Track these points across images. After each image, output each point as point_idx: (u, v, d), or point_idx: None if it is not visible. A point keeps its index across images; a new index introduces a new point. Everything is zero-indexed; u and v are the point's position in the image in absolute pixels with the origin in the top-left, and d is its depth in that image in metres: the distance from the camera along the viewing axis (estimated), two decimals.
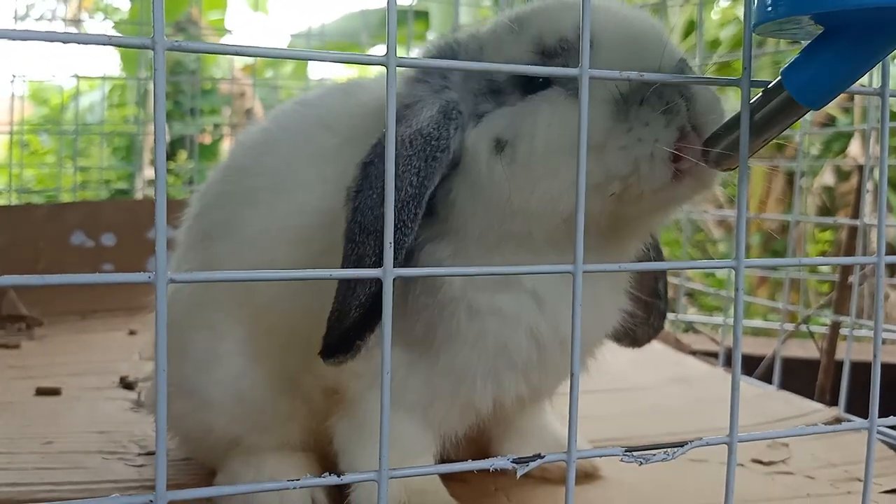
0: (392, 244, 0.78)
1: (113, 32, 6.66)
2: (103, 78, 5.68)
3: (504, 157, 1.06)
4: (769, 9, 0.85)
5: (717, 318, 2.88)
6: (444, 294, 1.12)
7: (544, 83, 1.05)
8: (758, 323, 3.47)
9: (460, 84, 1.11)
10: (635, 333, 1.36)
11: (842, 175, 5.32)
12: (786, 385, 2.15)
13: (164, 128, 0.68)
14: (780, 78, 0.89)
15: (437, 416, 1.22)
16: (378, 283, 1.00)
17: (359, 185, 1.05)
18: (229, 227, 1.30)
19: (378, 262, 1.02)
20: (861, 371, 2.21)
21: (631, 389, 2.07)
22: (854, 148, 4.96)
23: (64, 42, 0.66)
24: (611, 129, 1.00)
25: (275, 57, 0.91)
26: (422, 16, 6.30)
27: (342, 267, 1.05)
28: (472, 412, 1.23)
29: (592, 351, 1.31)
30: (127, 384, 2.09)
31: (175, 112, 6.34)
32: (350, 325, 1.03)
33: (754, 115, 0.90)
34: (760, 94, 0.90)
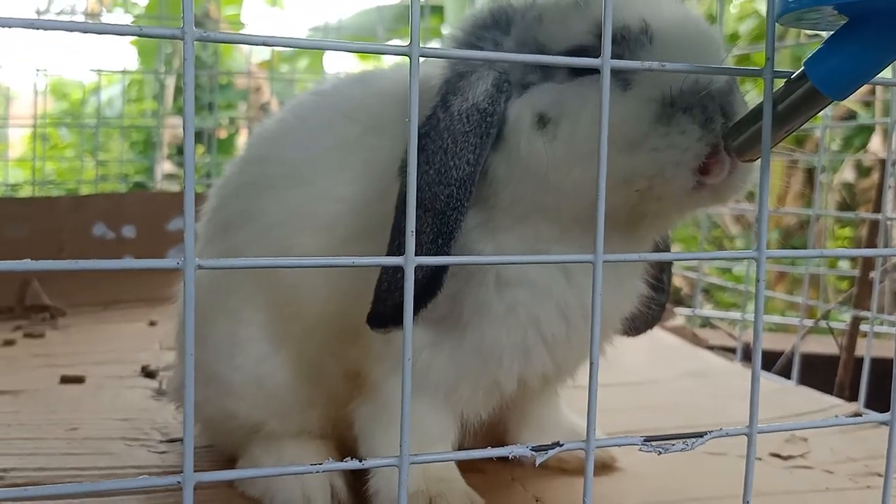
0: (413, 233, 0.78)
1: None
2: (123, 72, 5.74)
3: (546, 133, 1.06)
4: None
5: (735, 314, 2.86)
6: (474, 268, 1.13)
7: (592, 67, 1.05)
8: (776, 318, 3.46)
9: (513, 52, 1.10)
10: (633, 322, 1.37)
11: (862, 171, 5.27)
12: (804, 381, 2.14)
13: (193, 115, 0.70)
14: (803, 69, 0.89)
15: (461, 399, 1.22)
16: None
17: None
18: (249, 216, 1.31)
19: (435, 241, 1.04)
20: (880, 367, 2.20)
21: (647, 383, 2.07)
22: (875, 143, 4.91)
23: (99, 33, 0.67)
24: (649, 131, 1.01)
25: (300, 47, 0.92)
26: (437, 10, 6.30)
27: (391, 241, 1.05)
28: (496, 392, 1.23)
29: (609, 334, 1.31)
30: (148, 373, 2.12)
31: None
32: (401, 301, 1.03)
33: (777, 106, 0.90)
34: (783, 84, 0.90)
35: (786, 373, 2.22)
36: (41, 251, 3.08)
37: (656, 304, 1.36)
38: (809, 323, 2.59)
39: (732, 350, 2.51)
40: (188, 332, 0.72)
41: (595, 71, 1.02)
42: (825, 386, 2.17)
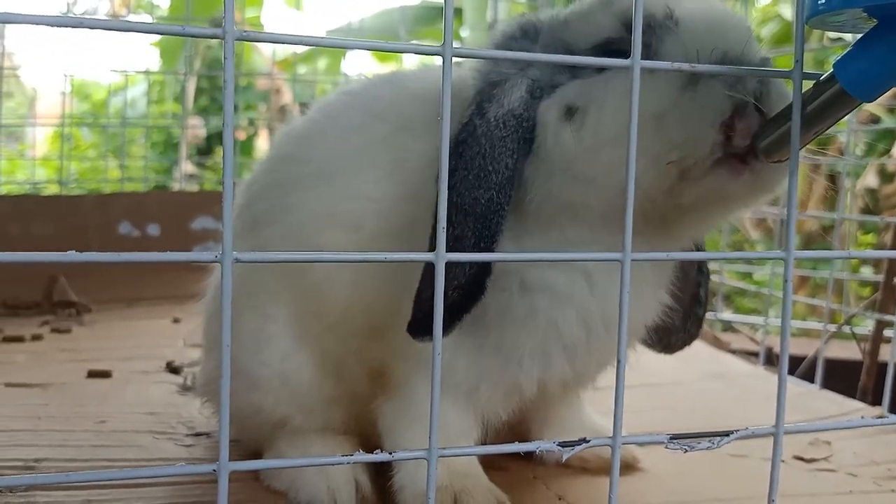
0: (444, 228, 0.80)
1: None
2: (147, 73, 5.81)
3: (574, 122, 1.07)
4: (821, 1, 0.85)
5: (758, 319, 2.85)
6: (498, 267, 1.13)
7: (620, 56, 1.06)
8: (798, 323, 3.43)
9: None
10: (669, 339, 1.36)
11: (886, 177, 5.21)
12: (827, 386, 2.13)
13: (232, 113, 0.71)
14: (832, 70, 0.89)
15: (482, 399, 1.23)
16: (479, 264, 1.04)
17: (453, 165, 1.06)
18: (277, 214, 1.33)
19: (477, 244, 1.05)
20: None
21: (669, 384, 2.07)
22: None
23: (142, 32, 0.69)
24: (676, 99, 1.01)
25: (335, 46, 0.94)
26: (455, 12, 6.32)
27: (431, 241, 1.06)
28: (516, 394, 1.24)
29: (633, 342, 1.32)
30: (173, 369, 2.15)
31: (212, 107, 6.45)
32: (447, 305, 1.03)
33: (806, 108, 0.90)
34: (812, 86, 0.91)
35: (809, 377, 2.21)
36: (67, 248, 3.11)
37: (695, 319, 1.36)
38: (833, 328, 2.57)
39: (754, 354, 2.50)
40: (225, 324, 0.74)
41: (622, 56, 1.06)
42: (848, 391, 2.15)
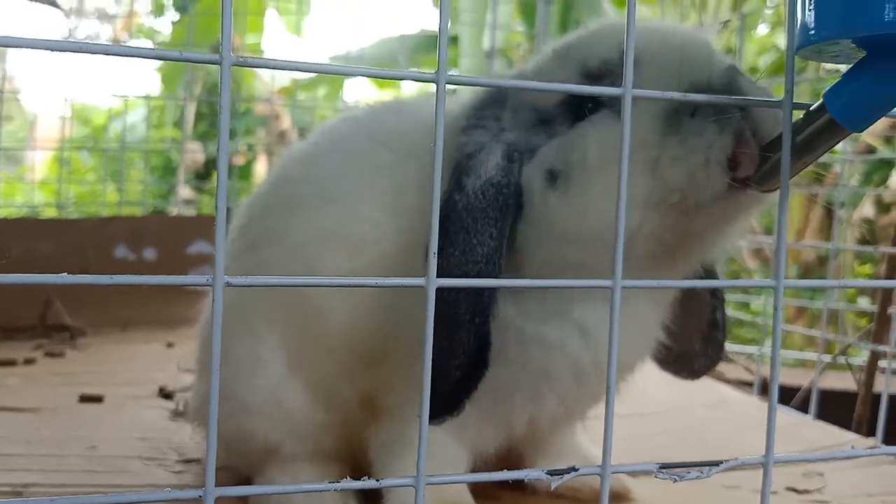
0: (436, 254, 0.80)
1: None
2: (147, 97, 5.85)
3: (557, 187, 1.07)
4: (811, 32, 0.86)
5: (752, 348, 2.84)
6: (496, 323, 1.13)
7: (593, 108, 1.06)
8: (795, 353, 3.42)
9: (512, 122, 1.12)
10: (692, 365, 1.36)
11: (882, 207, 5.24)
12: (822, 417, 2.12)
13: (228, 138, 0.72)
14: (822, 100, 0.90)
15: (472, 432, 1.23)
16: (477, 339, 1.04)
17: (440, 243, 1.05)
18: (277, 234, 1.33)
19: (472, 320, 1.04)
20: None
21: (661, 413, 2.06)
22: (895, 179, 4.89)
23: (142, 58, 0.70)
24: (663, 143, 1.00)
25: (332, 73, 0.95)
26: (452, 40, 6.40)
27: (439, 324, 1.03)
28: (506, 430, 1.25)
29: (625, 376, 1.31)
30: (166, 394, 2.14)
31: (212, 133, 6.49)
32: (452, 385, 1.05)
33: (796, 137, 0.91)
34: (802, 116, 0.92)
35: (803, 408, 2.20)
36: (63, 271, 3.11)
37: (714, 343, 1.35)
38: (827, 358, 2.57)
39: (749, 384, 2.49)
40: (215, 349, 0.74)
41: (593, 111, 1.06)
42: (843, 422, 2.14)
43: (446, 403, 1.04)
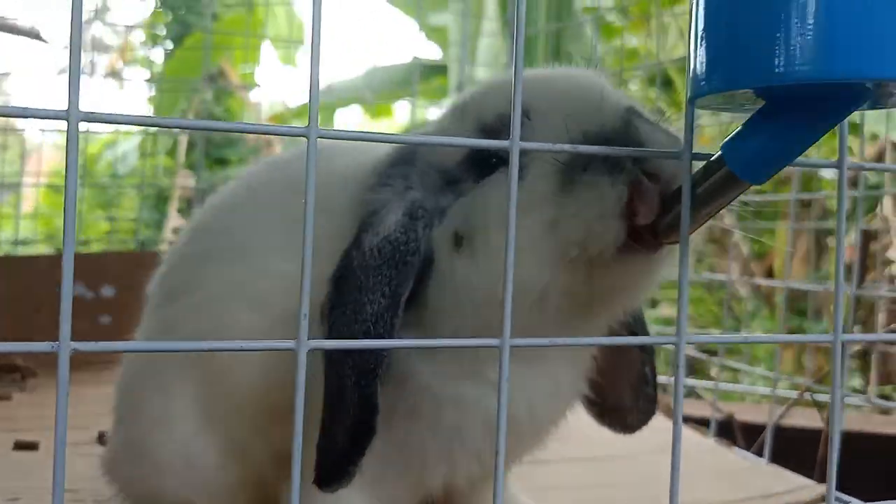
0: (307, 315, 0.76)
1: (148, 84, 6.98)
2: (141, 124, 5.81)
3: (463, 250, 1.05)
4: (702, 82, 0.83)
5: (708, 383, 2.81)
6: (411, 385, 1.12)
7: (495, 164, 1.04)
8: (762, 389, 3.39)
9: (420, 182, 1.10)
10: (625, 420, 1.33)
11: (871, 235, 5.22)
12: (789, 456, 2.08)
13: (75, 186, 0.68)
14: (720, 152, 0.87)
15: (387, 490, 1.19)
16: (362, 406, 1.01)
17: (332, 302, 1.04)
18: (190, 287, 1.30)
19: (358, 383, 1.01)
20: (862, 443, 2.13)
21: (611, 458, 2.01)
22: (887, 206, 4.87)
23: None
24: (559, 201, 0.98)
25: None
26: (441, 70, 6.43)
27: (326, 386, 1.03)
28: (421, 489, 1.21)
29: (549, 430, 1.27)
30: (104, 441, 2.07)
31: (205, 162, 6.48)
32: (341, 451, 1.02)
33: (696, 189, 0.88)
34: (702, 167, 0.89)
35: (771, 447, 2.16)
36: (19, 310, 3.06)
37: (645, 398, 1.32)
38: (793, 394, 2.54)
39: (705, 423, 2.45)
40: (60, 417, 0.70)
41: (495, 168, 1.03)
42: (810, 461, 2.10)
43: (336, 471, 1.01)
